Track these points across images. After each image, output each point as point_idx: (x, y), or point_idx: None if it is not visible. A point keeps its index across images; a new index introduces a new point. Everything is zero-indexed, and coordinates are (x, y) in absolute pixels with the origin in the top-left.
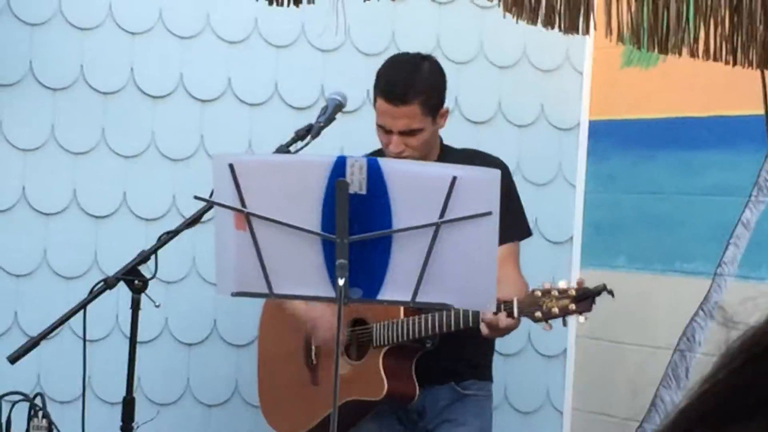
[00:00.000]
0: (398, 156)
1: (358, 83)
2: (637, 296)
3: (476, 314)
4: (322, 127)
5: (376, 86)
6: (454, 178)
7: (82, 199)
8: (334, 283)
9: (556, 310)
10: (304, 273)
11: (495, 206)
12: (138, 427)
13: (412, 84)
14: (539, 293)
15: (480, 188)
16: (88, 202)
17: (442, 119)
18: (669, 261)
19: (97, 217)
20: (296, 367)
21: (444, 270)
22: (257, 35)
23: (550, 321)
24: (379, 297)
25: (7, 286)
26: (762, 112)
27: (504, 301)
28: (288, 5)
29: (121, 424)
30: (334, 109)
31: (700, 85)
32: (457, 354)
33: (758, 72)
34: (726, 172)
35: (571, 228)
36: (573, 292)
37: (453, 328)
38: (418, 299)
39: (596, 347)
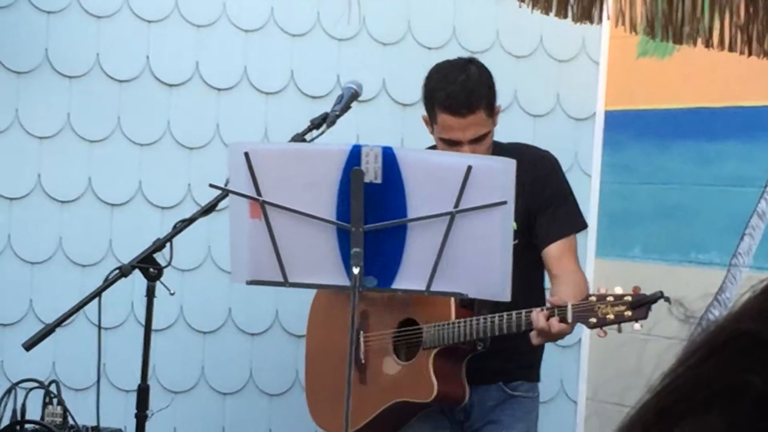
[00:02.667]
0: None
1: (374, 72)
2: (652, 286)
3: (529, 320)
4: (338, 116)
5: (433, 101)
6: (469, 168)
7: (97, 187)
8: (348, 271)
9: (611, 316)
10: (318, 261)
11: (510, 195)
12: (152, 414)
13: (472, 90)
14: (594, 299)
15: (495, 177)
16: (104, 190)
17: (497, 116)
18: (684, 251)
19: (112, 204)
20: (342, 364)
21: (459, 259)
22: (273, 24)
23: (605, 327)
24: (394, 286)
25: (22, 274)
26: None
27: (558, 306)
28: None
29: (135, 411)
30: (349, 98)
31: (716, 75)
32: (507, 354)
33: None
34: (742, 162)
35: (587, 218)
36: (629, 299)
37: (505, 332)
38: (433, 288)
39: (610, 337)
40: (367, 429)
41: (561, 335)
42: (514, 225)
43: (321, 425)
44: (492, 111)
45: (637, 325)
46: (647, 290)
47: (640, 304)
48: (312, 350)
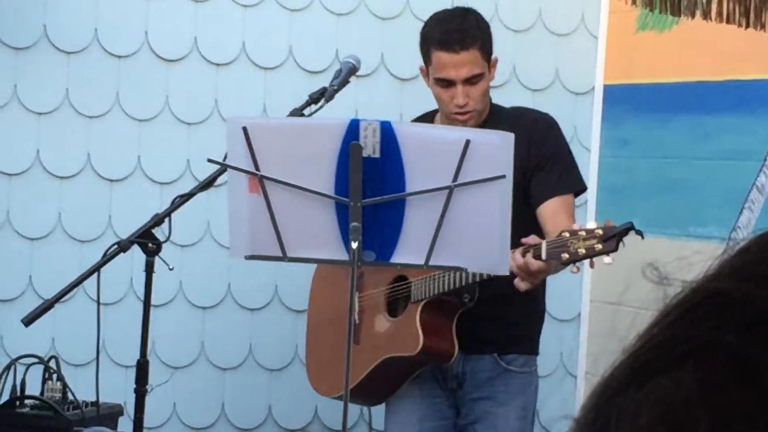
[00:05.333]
0: (462, 110)
1: (372, 47)
2: (651, 261)
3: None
4: (336, 91)
5: (430, 41)
6: (468, 141)
7: (96, 163)
8: (347, 246)
9: (582, 251)
10: (317, 236)
11: (508, 169)
12: (152, 389)
13: (468, 29)
14: (567, 235)
15: (493, 151)
16: (103, 165)
17: (493, 69)
18: (683, 225)
19: (111, 180)
20: (341, 328)
21: (457, 233)
22: None
23: (577, 264)
24: (392, 260)
25: (21, 250)
26: None
27: (532, 245)
28: None
29: (135, 386)
30: (347, 73)
31: (715, 49)
32: (500, 322)
33: None
34: (741, 136)
35: (586, 192)
36: (600, 232)
37: (485, 277)
38: (432, 262)
39: (610, 311)
40: (361, 389)
41: (540, 273)
42: None
43: (318, 390)
44: (488, 55)
45: (607, 259)
46: (645, 264)
47: (610, 237)
48: (312, 317)
